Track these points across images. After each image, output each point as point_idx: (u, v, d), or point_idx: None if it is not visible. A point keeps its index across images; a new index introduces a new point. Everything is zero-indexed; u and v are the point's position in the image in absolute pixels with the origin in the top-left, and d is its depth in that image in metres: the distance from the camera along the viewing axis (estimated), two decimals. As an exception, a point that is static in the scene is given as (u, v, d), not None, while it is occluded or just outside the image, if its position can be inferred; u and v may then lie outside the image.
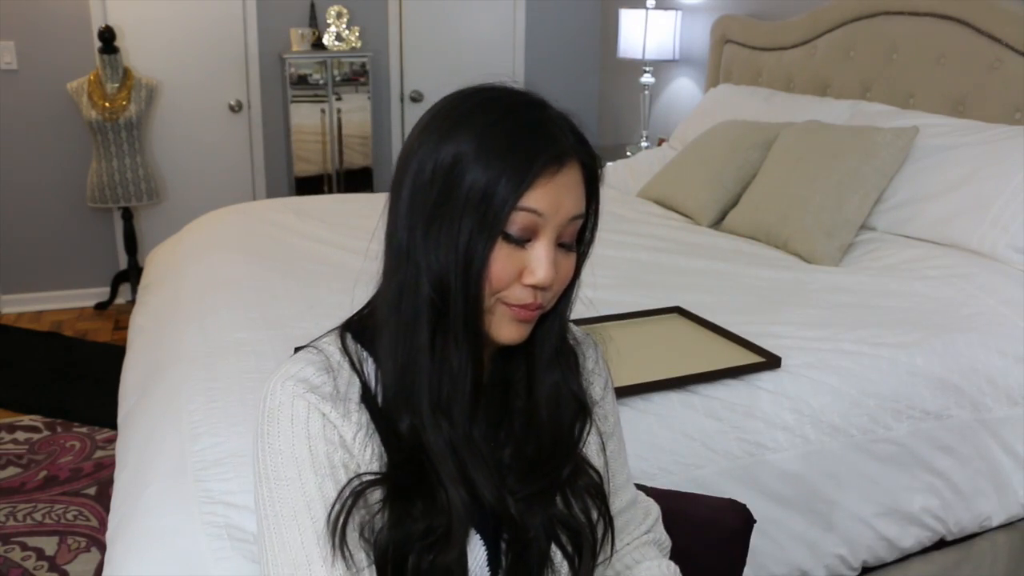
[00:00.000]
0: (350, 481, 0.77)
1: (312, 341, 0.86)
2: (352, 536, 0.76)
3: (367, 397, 0.81)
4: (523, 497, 0.83)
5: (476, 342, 0.79)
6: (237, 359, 1.64)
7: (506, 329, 0.80)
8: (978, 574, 1.86)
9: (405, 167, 0.79)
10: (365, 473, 0.78)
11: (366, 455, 0.79)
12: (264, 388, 0.82)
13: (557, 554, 0.86)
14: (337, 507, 0.76)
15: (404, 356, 0.79)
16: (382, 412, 0.81)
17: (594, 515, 0.88)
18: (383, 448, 0.80)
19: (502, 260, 0.76)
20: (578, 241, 0.83)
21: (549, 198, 0.76)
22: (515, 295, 0.78)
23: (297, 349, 0.86)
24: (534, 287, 0.78)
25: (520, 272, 0.77)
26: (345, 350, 0.83)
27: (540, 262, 0.77)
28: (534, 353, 0.85)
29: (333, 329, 0.87)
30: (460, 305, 0.76)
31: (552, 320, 0.85)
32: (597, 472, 0.90)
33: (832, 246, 2.29)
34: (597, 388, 0.96)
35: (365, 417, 0.80)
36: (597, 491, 0.89)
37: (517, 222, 0.76)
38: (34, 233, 4.01)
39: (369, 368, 0.83)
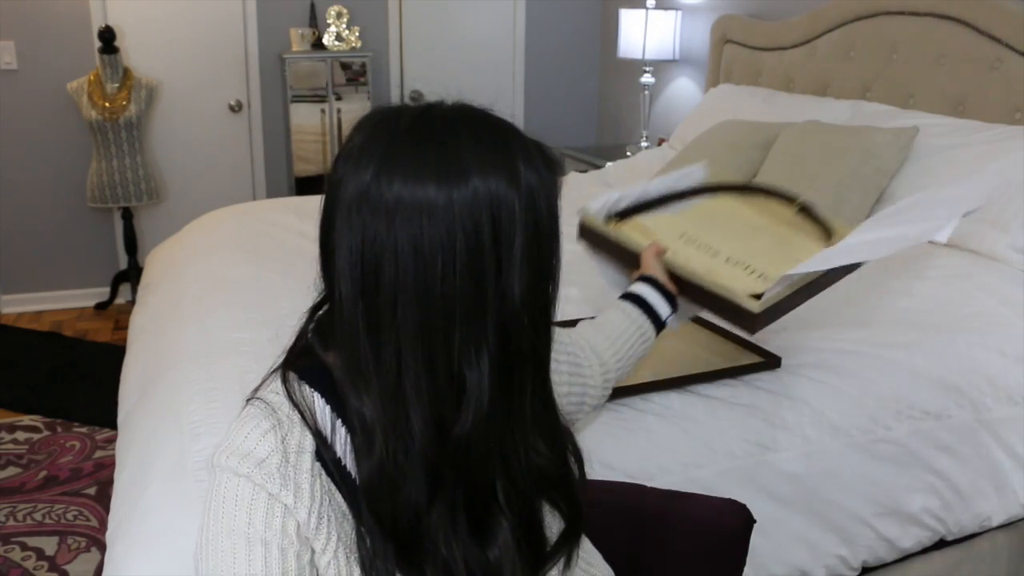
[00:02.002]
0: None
1: (257, 390, 0.79)
2: None
3: (322, 453, 0.75)
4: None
5: None
6: (237, 359, 1.64)
7: None
8: (978, 574, 1.86)
9: (439, 215, 0.70)
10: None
11: (320, 536, 0.73)
12: (210, 457, 0.76)
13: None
14: None
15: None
16: (343, 469, 0.76)
17: (571, 461, 0.87)
18: (345, 507, 0.75)
19: None
20: None
21: None
22: None
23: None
24: None
25: None
26: (292, 398, 0.76)
27: None
28: None
29: (275, 370, 0.80)
30: (549, 333, 0.79)
31: None
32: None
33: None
34: None
35: (319, 483, 0.74)
36: (568, 436, 0.88)
37: None
38: (34, 233, 4.01)
39: (324, 415, 0.76)
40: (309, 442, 0.75)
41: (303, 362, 0.79)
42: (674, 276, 1.33)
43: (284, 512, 0.72)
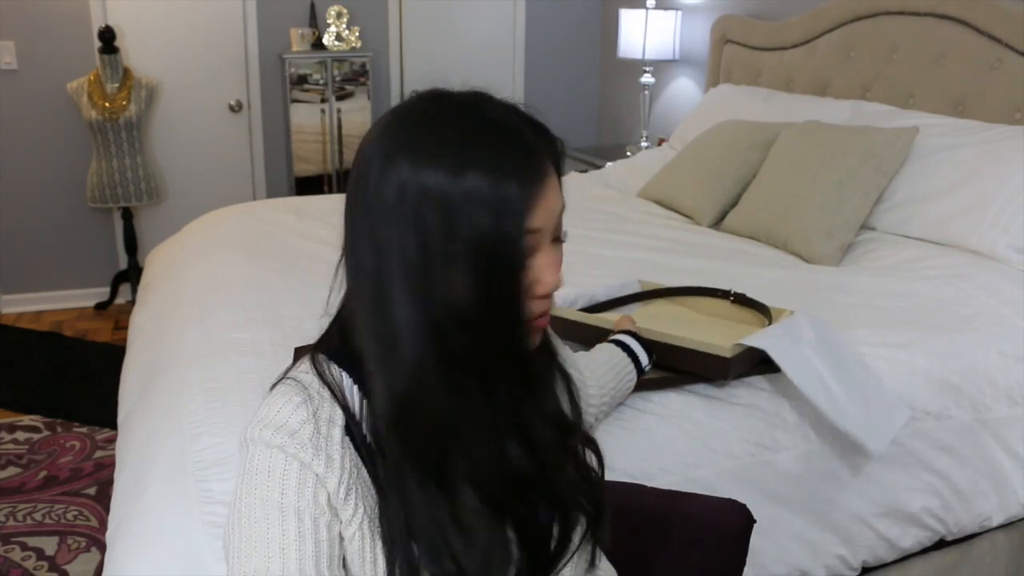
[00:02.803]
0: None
1: (287, 371, 0.82)
2: None
3: (351, 428, 0.77)
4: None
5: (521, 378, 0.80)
6: (237, 359, 1.64)
7: (533, 341, 0.82)
8: (978, 574, 1.86)
9: (380, 196, 0.73)
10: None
11: (348, 507, 0.75)
12: (242, 433, 0.78)
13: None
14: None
15: (411, 398, 0.75)
16: (370, 446, 0.77)
17: (594, 462, 0.91)
18: (370, 481, 0.77)
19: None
20: None
21: (543, 212, 0.75)
22: (531, 311, 0.78)
23: (297, 350, 0.85)
24: (549, 295, 0.78)
25: (530, 288, 0.76)
26: (322, 377, 0.78)
27: (548, 271, 0.77)
28: None
29: (305, 355, 0.83)
30: (501, 346, 0.76)
31: None
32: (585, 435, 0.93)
33: (832, 246, 2.29)
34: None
35: (349, 455, 0.76)
36: (589, 441, 0.92)
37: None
38: (34, 233, 4.01)
39: (351, 393, 0.79)
40: (339, 416, 0.77)
41: (333, 345, 0.82)
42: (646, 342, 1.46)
43: (316, 482, 0.74)
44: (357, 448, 0.77)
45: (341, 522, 0.75)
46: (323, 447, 0.74)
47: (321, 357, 0.80)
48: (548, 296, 0.78)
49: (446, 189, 0.71)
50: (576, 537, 0.86)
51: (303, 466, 0.74)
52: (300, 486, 0.73)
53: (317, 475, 0.74)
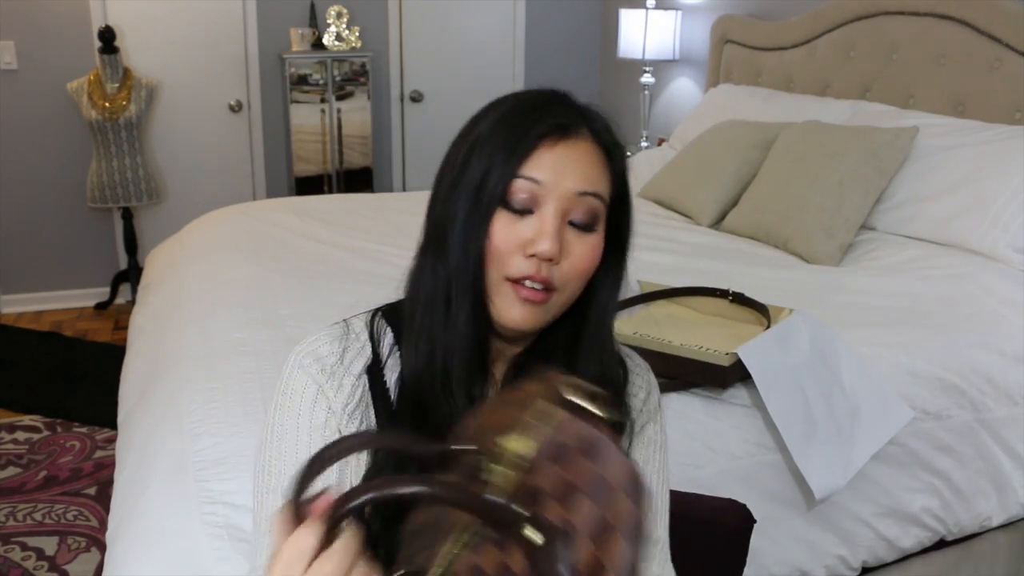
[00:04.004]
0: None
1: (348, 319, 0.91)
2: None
3: (373, 369, 0.84)
4: None
5: (481, 313, 0.80)
6: (237, 359, 1.64)
7: (511, 310, 0.79)
8: (978, 574, 1.86)
9: (444, 157, 0.86)
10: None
11: (352, 426, 0.83)
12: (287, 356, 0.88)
13: None
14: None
15: (426, 333, 0.82)
16: (386, 391, 0.84)
17: None
18: (375, 422, 0.83)
19: (502, 228, 0.78)
20: (614, 236, 0.87)
21: (549, 167, 0.78)
22: (517, 266, 0.78)
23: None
24: (537, 257, 0.77)
25: (523, 244, 0.78)
26: (371, 323, 0.88)
27: (541, 231, 0.77)
28: (575, 359, 0.85)
29: (373, 310, 0.92)
30: (464, 275, 0.79)
31: (594, 324, 0.86)
32: None
33: (832, 246, 2.29)
34: (638, 423, 0.94)
35: (361, 389, 0.83)
36: None
37: (517, 190, 0.78)
38: (34, 233, 4.01)
39: (387, 342, 0.86)
40: (366, 357, 0.85)
41: (392, 306, 0.90)
42: (642, 352, 1.38)
43: (327, 404, 0.82)
44: (373, 388, 0.84)
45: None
46: (340, 375, 0.83)
47: (379, 311, 0.89)
48: (535, 259, 0.78)
49: (482, 128, 0.81)
50: None
51: (319, 389, 0.82)
52: (314, 406, 0.82)
53: (328, 397, 0.82)
